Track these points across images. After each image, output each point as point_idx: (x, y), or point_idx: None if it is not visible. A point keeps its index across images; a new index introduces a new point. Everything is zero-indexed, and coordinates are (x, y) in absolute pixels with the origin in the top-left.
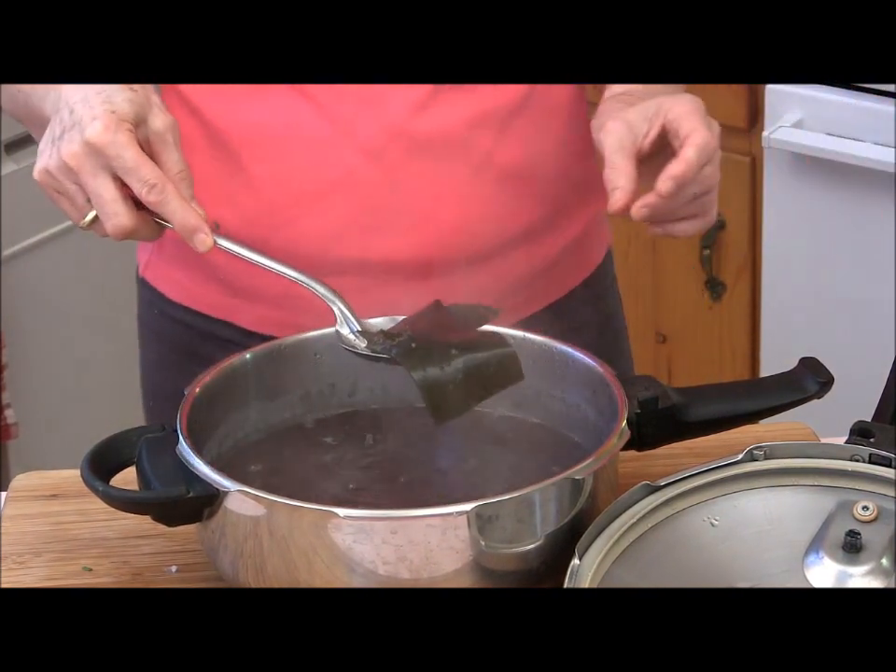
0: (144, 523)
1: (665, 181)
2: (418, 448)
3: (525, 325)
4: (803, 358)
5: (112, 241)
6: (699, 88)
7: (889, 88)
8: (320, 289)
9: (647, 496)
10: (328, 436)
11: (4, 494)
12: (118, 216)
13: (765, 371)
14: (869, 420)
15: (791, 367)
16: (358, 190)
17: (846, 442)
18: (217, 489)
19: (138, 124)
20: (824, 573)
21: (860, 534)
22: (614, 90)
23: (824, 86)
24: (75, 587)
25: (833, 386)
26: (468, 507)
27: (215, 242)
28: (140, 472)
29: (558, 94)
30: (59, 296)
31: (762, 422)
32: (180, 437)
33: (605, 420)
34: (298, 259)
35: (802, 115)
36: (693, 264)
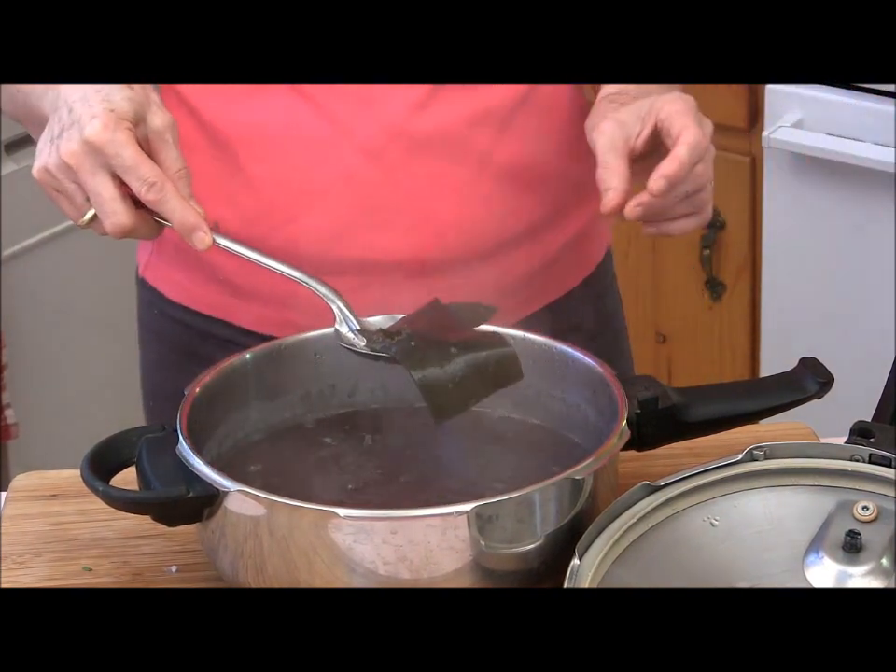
0: (144, 523)
1: (656, 180)
2: (418, 448)
3: (525, 324)
4: (803, 358)
5: (112, 241)
6: (699, 87)
7: (889, 88)
8: (319, 288)
9: (647, 496)
10: (328, 436)
11: (4, 494)
12: (116, 214)
13: (765, 371)
14: (869, 420)
15: (791, 367)
16: (358, 190)
17: (846, 442)
18: (217, 489)
19: (137, 123)
20: (824, 573)
21: (860, 534)
22: (608, 90)
23: (824, 86)
24: (75, 587)
25: (833, 386)
26: (468, 507)
27: (213, 240)
28: (140, 472)
29: (557, 93)
30: (59, 296)
31: (762, 422)
32: (180, 437)
33: (605, 420)
34: (298, 258)
35: (802, 115)
36: (693, 264)
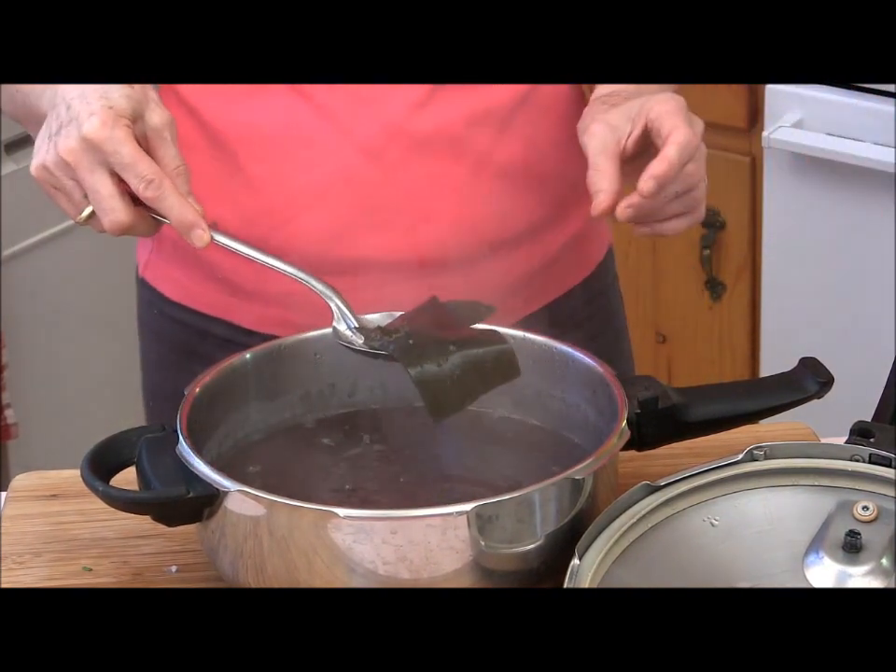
0: (144, 523)
1: (646, 181)
2: (418, 448)
3: (525, 323)
4: (803, 358)
5: (112, 241)
6: (700, 87)
7: (889, 88)
8: (317, 285)
9: (647, 496)
10: (327, 436)
11: (4, 494)
12: (115, 211)
13: (765, 371)
14: (869, 420)
15: (791, 367)
16: (357, 189)
17: (846, 442)
18: (217, 489)
19: (135, 120)
20: (824, 573)
21: (860, 534)
22: (600, 91)
23: (824, 86)
24: (75, 587)
25: (833, 386)
26: (468, 507)
27: (212, 238)
28: (140, 472)
29: (557, 93)
30: (59, 296)
31: (762, 422)
32: (180, 437)
33: (605, 420)
34: (297, 257)
35: (802, 115)
36: (693, 264)
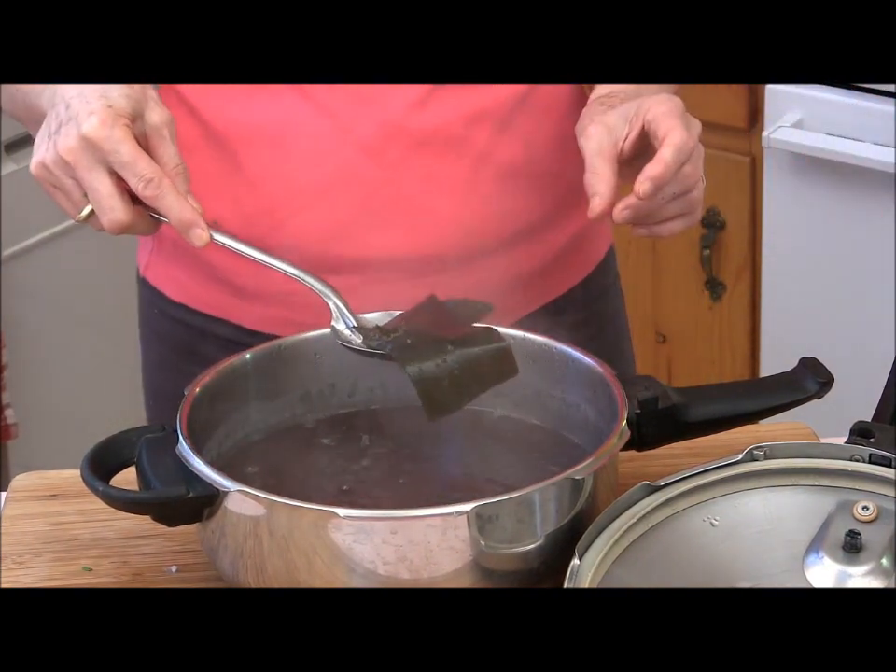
0: (144, 523)
1: (642, 182)
2: (418, 448)
3: (525, 323)
4: (803, 358)
5: (112, 241)
6: (700, 87)
7: (889, 88)
8: (316, 285)
9: (647, 496)
10: (328, 436)
11: (4, 494)
12: (114, 210)
13: (765, 371)
14: (869, 420)
15: (791, 367)
16: (357, 188)
17: (846, 442)
18: (217, 489)
19: (135, 119)
20: (824, 573)
21: (860, 534)
22: (599, 91)
23: (824, 86)
24: (75, 587)
25: (833, 386)
26: (468, 507)
27: (211, 237)
28: (140, 472)
29: (557, 92)
30: (59, 296)
31: (762, 422)
32: (180, 437)
33: (605, 420)
34: (298, 256)
35: (802, 115)
36: (693, 264)
